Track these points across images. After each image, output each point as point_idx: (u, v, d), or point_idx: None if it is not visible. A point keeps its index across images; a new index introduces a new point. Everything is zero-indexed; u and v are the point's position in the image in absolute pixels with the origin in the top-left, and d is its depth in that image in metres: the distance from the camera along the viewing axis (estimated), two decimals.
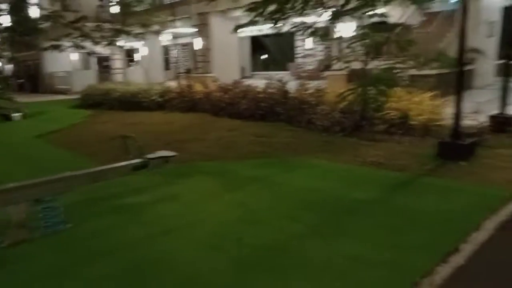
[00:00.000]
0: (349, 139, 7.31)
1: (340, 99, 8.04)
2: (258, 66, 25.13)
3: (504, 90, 7.33)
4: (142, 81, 19.07)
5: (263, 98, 9.70)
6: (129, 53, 28.28)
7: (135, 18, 17.76)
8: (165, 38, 24.62)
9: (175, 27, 21.78)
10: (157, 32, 21.83)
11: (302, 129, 8.29)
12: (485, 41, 12.53)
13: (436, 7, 11.54)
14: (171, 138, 8.14)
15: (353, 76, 8.55)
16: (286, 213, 4.22)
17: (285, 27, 8.81)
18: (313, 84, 9.82)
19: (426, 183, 4.93)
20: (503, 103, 7.26)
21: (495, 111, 7.29)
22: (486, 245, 3.28)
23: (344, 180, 5.21)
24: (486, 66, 12.39)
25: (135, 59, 29.29)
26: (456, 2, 6.29)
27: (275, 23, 8.62)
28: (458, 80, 5.89)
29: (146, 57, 25.56)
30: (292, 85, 9.99)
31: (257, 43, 25.62)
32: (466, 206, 4.11)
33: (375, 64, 8.13)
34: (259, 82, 11.08)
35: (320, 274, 3.02)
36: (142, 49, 25.87)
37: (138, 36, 18.74)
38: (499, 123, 7.07)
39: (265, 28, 9.49)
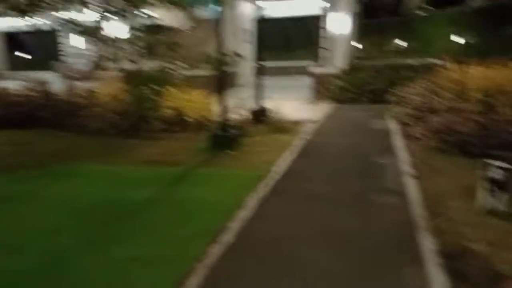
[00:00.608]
0: (127, 140, 7.07)
1: (115, 100, 7.71)
2: (17, 66, 21.38)
3: (259, 87, 8.66)
4: None
5: (21, 102, 8.26)
6: None
7: None
8: None
9: None
10: None
11: (73, 134, 7.51)
12: (244, 46, 14.46)
13: (203, 14, 12.56)
14: None
15: (128, 76, 8.33)
16: (53, 228, 3.70)
17: (45, 22, 7.80)
18: (85, 86, 9.04)
19: (199, 173, 5.26)
20: (259, 98, 8.58)
21: (254, 105, 8.51)
22: (249, 220, 3.73)
23: (121, 183, 4.97)
24: (246, 68, 14.32)
25: None
26: (219, 11, 7.01)
27: (27, 16, 7.49)
28: (221, 80, 6.63)
29: None
30: (60, 87, 8.94)
31: (16, 40, 21.78)
32: (232, 189, 4.58)
33: (148, 65, 8.15)
34: (17, 84, 9.37)
35: (93, 286, 2.75)
36: None
37: None
38: (257, 115, 8.34)
39: (25, 24, 8.10)
